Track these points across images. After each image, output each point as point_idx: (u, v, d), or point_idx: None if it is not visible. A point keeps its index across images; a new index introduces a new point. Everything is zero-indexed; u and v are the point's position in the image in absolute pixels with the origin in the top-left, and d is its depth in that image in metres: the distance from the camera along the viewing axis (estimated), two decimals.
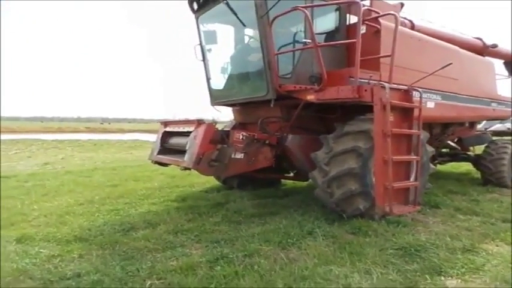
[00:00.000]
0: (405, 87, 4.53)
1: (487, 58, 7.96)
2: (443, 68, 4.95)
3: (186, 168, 4.68)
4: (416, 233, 4.28)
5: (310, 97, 4.73)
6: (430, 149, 5.26)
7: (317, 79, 4.81)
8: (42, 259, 3.44)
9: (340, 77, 4.80)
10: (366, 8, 4.79)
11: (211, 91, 6.29)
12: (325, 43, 5.11)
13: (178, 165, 4.78)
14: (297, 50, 4.99)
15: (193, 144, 4.60)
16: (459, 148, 8.36)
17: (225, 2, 5.00)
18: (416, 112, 4.52)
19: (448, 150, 8.63)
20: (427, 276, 3.11)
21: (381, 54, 4.93)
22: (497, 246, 3.91)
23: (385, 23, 5.13)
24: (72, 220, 4.81)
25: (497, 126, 18.35)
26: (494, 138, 8.30)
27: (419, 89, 4.77)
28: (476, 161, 7.69)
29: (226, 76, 6.04)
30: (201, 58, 6.12)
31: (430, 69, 5.30)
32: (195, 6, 5.81)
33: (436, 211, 5.32)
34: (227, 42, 6.05)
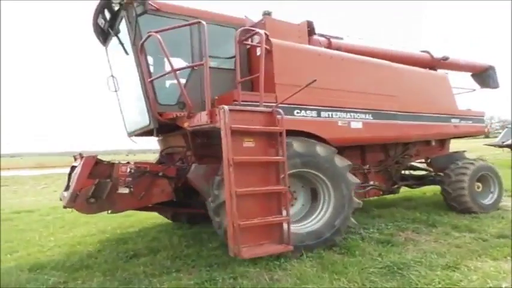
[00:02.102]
0: (269, 110, 4.07)
1: (440, 72, 7.60)
2: (308, 85, 4.27)
3: (65, 207, 4.45)
4: (404, 252, 4.40)
5: (186, 124, 4.44)
6: (354, 180, 4.86)
7: (184, 105, 4.55)
8: (49, 285, 3.80)
9: (227, 101, 4.43)
10: (242, 28, 4.64)
11: (124, 122, 6.10)
12: (181, 67, 4.68)
13: None
14: (162, 76, 4.64)
15: (73, 180, 4.40)
16: (431, 170, 7.58)
17: (112, 35, 5.01)
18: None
19: (418, 172, 7.88)
20: None
21: (275, 76, 4.68)
22: (481, 262, 3.98)
23: (278, 42, 4.84)
24: (82, 249, 5.20)
25: None
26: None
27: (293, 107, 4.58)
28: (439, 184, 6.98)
29: (130, 107, 5.82)
30: (114, 89, 5.80)
31: (346, 87, 5.26)
32: (101, 38, 5.66)
33: (431, 229, 5.39)
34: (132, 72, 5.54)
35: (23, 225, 7.01)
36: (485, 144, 20.05)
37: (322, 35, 6.17)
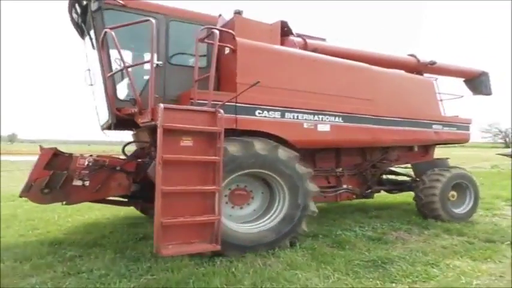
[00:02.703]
0: (211, 109, 3.99)
1: (425, 77, 7.40)
2: (251, 86, 4.19)
3: (20, 196, 4.52)
4: (391, 249, 4.71)
5: (139, 120, 4.45)
6: (312, 189, 4.79)
7: (135, 101, 4.42)
8: (66, 257, 4.27)
9: (186, 100, 4.47)
10: (204, 27, 4.51)
11: (97, 116, 6.04)
12: (133, 64, 4.62)
13: None
14: (117, 72, 4.58)
15: (30, 171, 4.50)
16: (413, 176, 7.30)
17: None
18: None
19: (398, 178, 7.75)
20: (378, 282, 3.60)
21: (237, 75, 4.59)
22: (460, 262, 4.26)
23: (244, 41, 4.76)
24: (97, 230, 5.67)
25: None
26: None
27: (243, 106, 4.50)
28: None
29: (100, 101, 5.67)
30: (89, 83, 5.77)
31: (316, 88, 5.18)
32: (79, 31, 5.65)
33: (423, 231, 5.66)
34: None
35: (44, 206, 7.53)
36: (498, 154, 19.96)
37: (300, 36, 6.07)
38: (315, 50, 5.89)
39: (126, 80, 4.77)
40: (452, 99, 7.50)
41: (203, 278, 3.55)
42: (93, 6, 4.52)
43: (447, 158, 7.34)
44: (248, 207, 4.79)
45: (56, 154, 4.55)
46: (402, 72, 7.05)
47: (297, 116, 4.95)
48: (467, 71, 8.26)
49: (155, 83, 3.98)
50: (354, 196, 6.53)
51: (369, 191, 6.68)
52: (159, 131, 3.55)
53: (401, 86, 6.41)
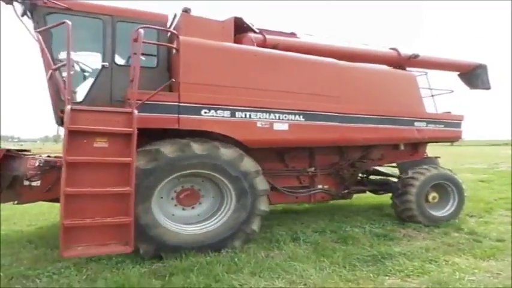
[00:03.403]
0: (128, 110, 3.89)
1: (405, 71, 6.93)
2: (165, 84, 4.15)
3: None
4: (395, 245, 4.83)
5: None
6: (262, 187, 4.67)
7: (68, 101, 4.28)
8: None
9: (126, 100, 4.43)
10: (138, 28, 4.17)
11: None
12: (56, 67, 4.20)
13: None
14: (52, 72, 4.24)
15: None
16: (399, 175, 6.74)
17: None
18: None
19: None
20: (371, 275, 3.77)
21: (180, 74, 4.46)
22: (460, 258, 4.33)
23: (187, 39, 4.63)
24: None
25: None
26: None
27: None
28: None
29: None
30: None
31: (272, 86, 5.01)
32: None
33: (433, 229, 5.67)
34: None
35: None
36: None
37: (260, 32, 5.79)
38: (275, 47, 5.64)
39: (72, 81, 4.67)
40: (442, 94, 7.15)
41: (207, 266, 3.88)
42: (18, 10, 4.41)
43: (437, 157, 7.00)
44: (200, 207, 4.72)
45: (8, 155, 4.51)
46: (377, 66, 6.74)
47: (249, 115, 4.78)
48: (459, 64, 7.76)
49: (69, 85, 3.83)
50: (330, 197, 6.34)
51: (346, 191, 6.41)
52: (64, 133, 3.49)
53: (375, 82, 6.05)
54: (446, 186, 6.24)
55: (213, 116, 4.58)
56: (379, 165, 7.10)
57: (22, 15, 4.48)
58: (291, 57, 5.42)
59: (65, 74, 4.22)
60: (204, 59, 4.68)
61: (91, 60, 5.07)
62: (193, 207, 4.69)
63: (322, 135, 5.37)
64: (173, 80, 4.38)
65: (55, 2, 4.39)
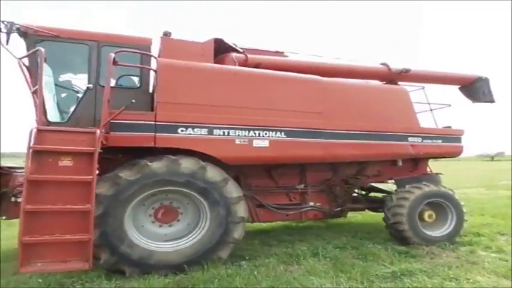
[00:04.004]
0: (91, 130, 4.05)
1: (398, 86, 6.76)
2: (123, 110, 4.23)
3: None
4: (416, 262, 4.80)
5: None
6: (234, 194, 4.66)
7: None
8: None
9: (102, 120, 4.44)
10: (117, 51, 4.35)
11: None
12: (34, 89, 4.37)
13: None
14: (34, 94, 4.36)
15: None
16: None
17: None
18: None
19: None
20: None
21: (157, 94, 4.65)
22: (482, 277, 4.26)
23: (165, 61, 4.87)
24: None
25: None
26: None
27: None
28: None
29: None
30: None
31: (251, 103, 5.07)
32: None
33: (458, 247, 5.57)
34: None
35: None
36: None
37: (243, 52, 5.92)
38: (257, 65, 5.74)
39: (55, 103, 4.94)
40: (440, 108, 6.95)
41: (227, 278, 4.05)
42: (2, 40, 4.56)
43: (438, 174, 6.74)
44: (178, 224, 4.74)
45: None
46: (364, 82, 6.66)
47: (228, 132, 4.86)
48: (457, 77, 7.58)
49: (42, 107, 4.14)
50: (322, 215, 6.28)
51: (338, 209, 6.26)
52: (27, 153, 3.63)
53: (362, 97, 5.99)
54: (444, 205, 5.93)
55: (190, 134, 4.69)
56: (378, 182, 6.94)
57: (7, 43, 4.63)
58: (272, 75, 5.47)
59: (48, 95, 4.61)
60: (181, 80, 4.84)
61: (80, 82, 5.27)
62: (170, 225, 4.70)
63: (306, 151, 5.34)
64: (133, 101, 4.40)
65: (44, 31, 4.68)
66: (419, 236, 5.63)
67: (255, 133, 4.99)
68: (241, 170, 5.49)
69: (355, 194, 6.88)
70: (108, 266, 4.18)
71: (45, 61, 4.30)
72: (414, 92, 6.83)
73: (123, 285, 3.96)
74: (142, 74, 5.10)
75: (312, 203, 6.03)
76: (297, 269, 4.51)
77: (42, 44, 4.55)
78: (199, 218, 4.68)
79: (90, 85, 4.77)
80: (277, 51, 6.51)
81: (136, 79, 5.20)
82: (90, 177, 3.75)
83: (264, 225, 7.21)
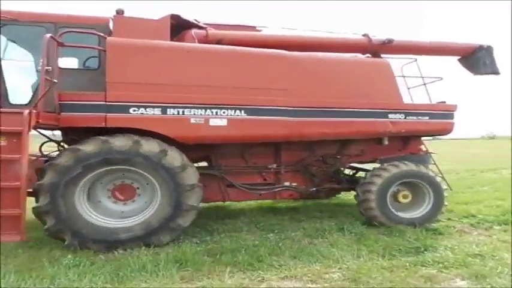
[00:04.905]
0: (19, 110, 4.07)
1: (378, 59, 6.23)
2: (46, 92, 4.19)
3: None
4: (443, 240, 4.83)
5: None
6: (189, 181, 4.58)
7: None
8: None
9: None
10: (62, 33, 4.46)
11: None
12: None
13: None
14: None
15: None
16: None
17: None
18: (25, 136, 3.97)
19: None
20: (407, 265, 3.90)
21: (106, 74, 4.58)
22: (508, 254, 4.21)
23: (114, 40, 4.73)
24: None
25: None
26: None
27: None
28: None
29: None
30: None
31: (207, 81, 4.88)
32: None
33: (491, 226, 5.48)
34: None
35: None
36: None
37: (204, 28, 5.65)
38: (219, 41, 5.49)
39: (20, 85, 5.03)
40: (431, 82, 6.39)
41: (253, 248, 4.35)
42: None
43: (428, 153, 6.37)
44: (134, 203, 4.80)
45: None
46: (337, 55, 6.17)
47: (183, 112, 4.75)
48: (451, 47, 6.82)
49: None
50: (298, 195, 6.23)
51: (314, 189, 6.08)
52: None
53: (334, 72, 5.57)
54: (421, 186, 5.55)
55: (142, 113, 4.64)
56: (362, 162, 6.61)
57: None
58: (231, 51, 5.22)
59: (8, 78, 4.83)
60: (132, 59, 4.73)
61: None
62: (125, 203, 4.77)
63: (269, 130, 5.14)
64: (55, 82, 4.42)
65: (3, 15, 4.73)
66: (386, 215, 5.38)
67: (211, 112, 4.86)
68: (212, 150, 5.54)
69: (341, 175, 6.66)
70: (50, 233, 4.37)
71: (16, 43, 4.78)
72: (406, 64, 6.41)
73: (160, 250, 4.37)
74: (100, 55, 4.98)
75: (287, 183, 5.92)
76: (321, 242, 4.70)
77: (4, 29, 4.79)
78: (153, 195, 4.69)
79: (49, 67, 4.54)
80: (248, 26, 6.18)
81: (96, 60, 5.16)
82: (19, 155, 3.93)
83: (295, 203, 7.43)
